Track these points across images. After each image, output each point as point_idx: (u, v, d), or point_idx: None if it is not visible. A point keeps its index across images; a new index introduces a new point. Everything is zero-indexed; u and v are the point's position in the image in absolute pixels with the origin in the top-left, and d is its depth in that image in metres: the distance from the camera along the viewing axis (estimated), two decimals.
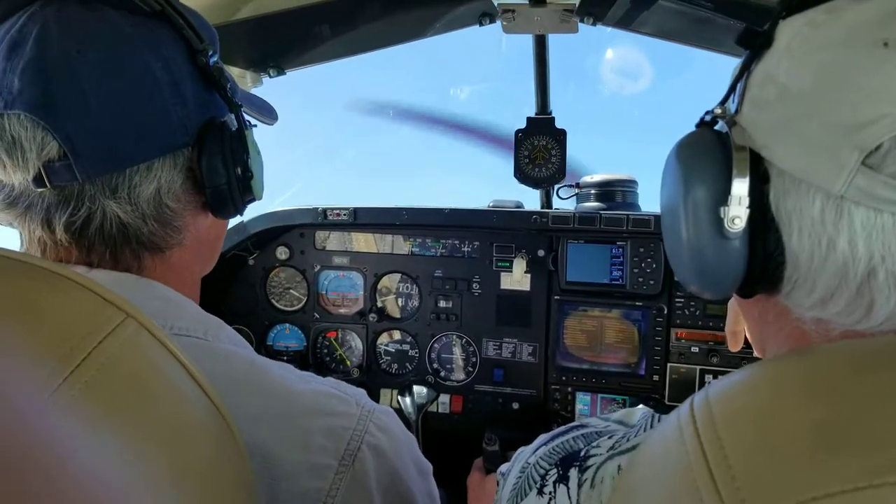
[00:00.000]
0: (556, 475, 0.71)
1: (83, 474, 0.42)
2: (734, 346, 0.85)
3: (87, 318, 0.49)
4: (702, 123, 0.67)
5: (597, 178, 2.11)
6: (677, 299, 2.00)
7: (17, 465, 0.38)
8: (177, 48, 0.77)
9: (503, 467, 0.86)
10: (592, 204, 2.09)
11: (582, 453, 0.71)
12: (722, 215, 0.58)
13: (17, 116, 0.69)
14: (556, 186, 2.13)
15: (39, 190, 0.72)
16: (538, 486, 0.72)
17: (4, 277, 0.48)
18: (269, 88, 1.74)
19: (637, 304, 2.03)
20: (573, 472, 0.69)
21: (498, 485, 0.85)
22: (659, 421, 0.69)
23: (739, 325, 0.88)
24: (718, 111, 0.64)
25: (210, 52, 0.79)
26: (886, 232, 0.51)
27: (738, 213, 0.57)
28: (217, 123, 0.80)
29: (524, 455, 0.80)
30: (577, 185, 2.12)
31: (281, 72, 1.73)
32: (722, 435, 0.43)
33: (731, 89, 0.64)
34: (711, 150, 0.61)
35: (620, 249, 2.02)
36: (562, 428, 0.80)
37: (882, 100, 0.49)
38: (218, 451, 0.56)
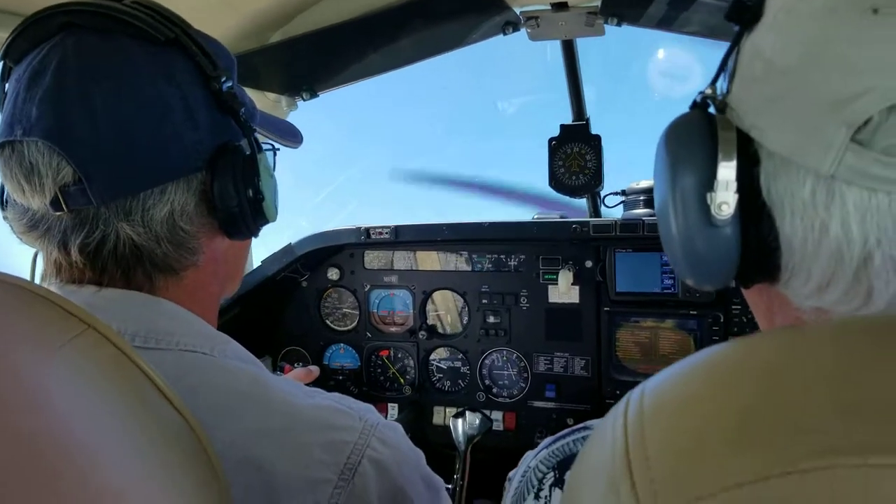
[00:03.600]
0: (553, 479, 0.69)
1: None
2: None
3: (46, 329, 0.51)
4: (694, 105, 0.63)
5: (643, 183, 2.04)
6: (734, 306, 1.90)
7: None
8: (191, 75, 0.79)
9: (511, 472, 0.84)
10: (641, 211, 2.02)
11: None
12: (709, 202, 0.54)
13: (35, 143, 0.73)
14: (603, 194, 2.08)
15: (57, 213, 0.75)
16: (535, 489, 0.70)
17: None
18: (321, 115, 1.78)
19: (691, 312, 1.94)
20: (569, 475, 0.67)
21: (504, 489, 0.83)
22: None
23: None
24: (708, 91, 0.61)
25: (224, 78, 0.81)
26: (881, 213, 0.47)
27: (725, 198, 0.54)
28: (230, 148, 0.82)
29: (528, 459, 0.78)
30: (624, 193, 2.06)
31: (314, 94, 1.77)
32: (646, 427, 0.41)
33: (722, 67, 0.61)
34: (698, 132, 0.58)
35: None
36: (565, 430, 0.77)
37: (869, 71, 0.46)
38: (183, 464, 0.56)
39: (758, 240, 0.55)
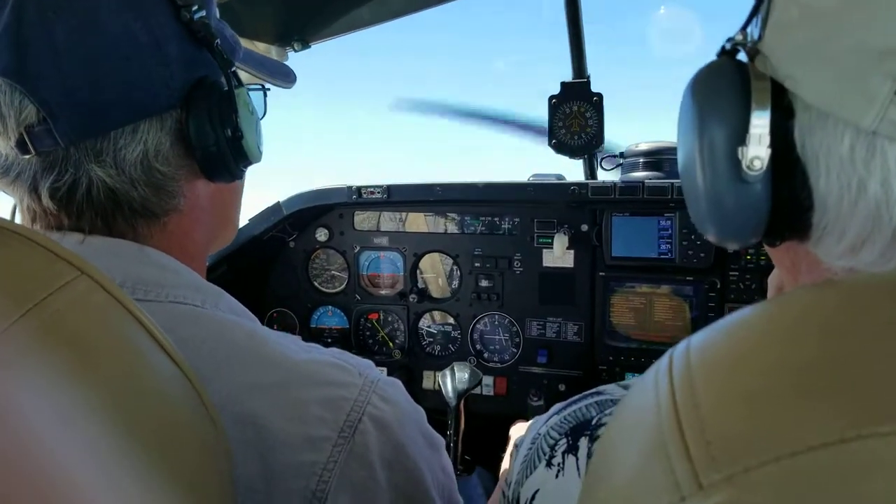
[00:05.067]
0: (566, 445, 0.65)
1: (21, 436, 0.39)
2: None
3: (33, 274, 0.45)
4: (722, 53, 0.58)
5: (643, 146, 1.99)
6: (731, 272, 1.87)
7: None
8: (159, 6, 0.74)
9: (518, 438, 0.80)
10: (639, 174, 1.97)
11: (594, 422, 0.65)
12: (740, 156, 0.50)
13: None
14: (600, 157, 2.03)
15: (26, 157, 0.72)
16: (547, 457, 0.67)
17: None
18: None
19: (688, 278, 1.91)
20: (583, 442, 0.64)
21: (511, 456, 0.79)
22: None
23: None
24: (739, 37, 0.56)
25: (195, 8, 0.75)
26: None
27: (757, 153, 0.49)
28: (207, 83, 0.77)
29: (537, 424, 0.75)
30: (622, 155, 2.01)
31: (306, 45, 1.69)
32: (697, 384, 0.37)
33: (754, 12, 0.55)
34: (729, 82, 0.53)
35: (668, 221, 1.90)
36: (576, 396, 0.74)
37: None
38: (181, 417, 0.52)
39: (790, 197, 0.51)
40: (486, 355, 2.15)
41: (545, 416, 0.75)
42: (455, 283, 2.16)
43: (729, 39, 0.57)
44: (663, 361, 0.42)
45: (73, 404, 0.43)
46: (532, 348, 2.09)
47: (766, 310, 0.41)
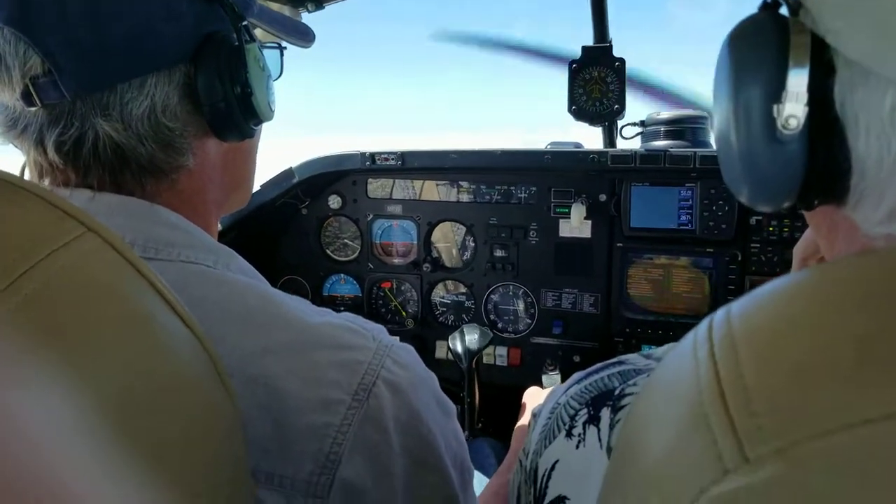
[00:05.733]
0: (587, 415, 0.63)
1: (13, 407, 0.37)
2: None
3: (38, 230, 0.43)
4: (763, 6, 0.55)
5: (664, 114, 1.93)
6: (753, 244, 1.83)
7: None
8: None
9: (536, 408, 0.78)
10: (660, 143, 1.92)
11: (616, 392, 0.63)
12: (775, 114, 0.47)
13: (1, 31, 0.67)
14: (620, 125, 1.98)
15: (31, 109, 0.70)
16: (567, 427, 0.65)
17: None
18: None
19: (708, 250, 1.87)
20: (605, 413, 0.61)
21: (529, 426, 0.77)
22: None
23: (811, 252, 0.77)
24: None
25: None
26: None
27: (794, 111, 0.46)
28: (217, 38, 0.75)
29: (556, 394, 0.72)
30: (643, 123, 1.96)
31: (319, 6, 1.65)
32: (740, 352, 0.35)
33: None
34: (767, 37, 0.49)
35: (689, 191, 1.85)
36: (598, 365, 0.71)
37: None
38: (191, 379, 0.50)
39: (826, 159, 0.48)
40: (500, 325, 2.13)
41: (564, 385, 0.73)
42: (468, 254, 2.13)
43: None
44: (700, 330, 0.39)
45: (78, 364, 0.41)
46: (547, 319, 2.06)
47: (811, 278, 0.38)
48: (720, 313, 0.39)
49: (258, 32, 0.87)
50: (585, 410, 0.64)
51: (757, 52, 0.49)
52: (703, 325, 0.39)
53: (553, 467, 0.65)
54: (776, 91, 0.46)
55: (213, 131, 0.79)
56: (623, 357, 0.71)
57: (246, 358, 0.67)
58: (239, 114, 0.78)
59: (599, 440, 0.60)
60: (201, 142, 0.79)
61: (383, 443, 0.71)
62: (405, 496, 0.73)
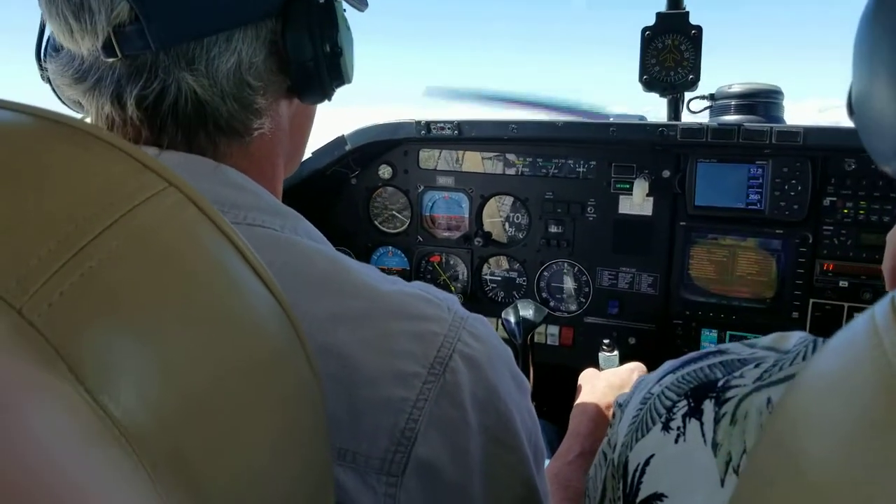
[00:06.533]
0: (687, 408, 0.58)
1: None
2: (893, 286, 0.67)
3: (117, 184, 0.38)
4: None
5: (736, 87, 1.84)
6: (826, 227, 1.75)
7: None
8: None
9: (620, 397, 0.74)
10: (731, 117, 1.84)
11: (720, 383, 0.58)
12: None
13: None
14: (687, 98, 1.90)
15: (110, 60, 0.66)
16: (663, 420, 0.60)
17: (12, 134, 0.38)
18: None
19: (777, 231, 1.79)
20: (708, 405, 0.57)
21: (614, 416, 0.72)
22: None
23: None
24: None
25: None
26: None
27: None
28: None
29: (646, 383, 0.68)
30: (712, 97, 1.87)
31: None
32: None
33: None
34: None
35: (760, 169, 1.77)
36: (693, 354, 0.66)
37: None
38: (276, 348, 0.45)
39: None
40: (552, 304, 2.07)
41: (655, 374, 0.68)
42: (514, 231, 2.07)
43: None
44: (880, 312, 0.34)
45: (165, 329, 0.36)
46: (602, 298, 2.00)
47: None
48: (885, 302, 0.35)
49: None
50: (685, 402, 0.59)
51: None
52: (880, 308, 0.35)
53: (647, 462, 0.61)
54: None
55: (297, 92, 0.76)
56: (723, 346, 0.66)
57: (316, 326, 0.64)
58: (326, 74, 0.75)
59: (703, 435, 0.56)
60: (277, 103, 0.76)
61: (460, 419, 0.68)
62: (481, 476, 0.70)
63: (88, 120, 0.72)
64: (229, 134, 0.72)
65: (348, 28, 0.81)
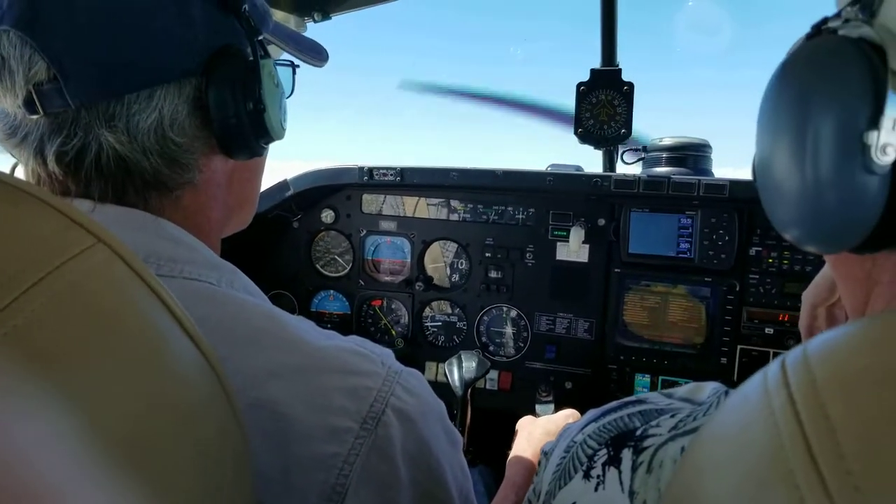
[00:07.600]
0: (606, 456, 0.60)
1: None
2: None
3: (46, 240, 0.38)
4: (817, 33, 0.52)
5: (667, 140, 1.92)
6: (751, 275, 1.82)
7: None
8: None
9: (546, 445, 0.75)
10: (662, 169, 1.91)
11: (638, 432, 0.60)
12: (869, 142, 0.43)
13: (7, 34, 0.64)
14: (621, 150, 1.97)
15: (33, 117, 0.66)
16: (584, 468, 0.61)
17: None
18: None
19: (706, 279, 1.85)
20: (626, 454, 0.58)
21: (539, 464, 0.73)
22: None
23: (817, 319, 0.78)
24: (849, 11, 0.49)
25: None
26: None
27: (891, 140, 0.43)
28: (231, 51, 0.72)
29: (570, 432, 0.69)
30: (645, 149, 1.95)
31: (326, 16, 1.61)
32: (827, 403, 0.32)
33: None
34: (849, 59, 0.46)
35: (689, 219, 1.84)
36: (614, 403, 0.68)
37: None
38: (200, 402, 0.45)
39: None
40: (491, 348, 2.09)
41: (578, 423, 0.70)
42: (456, 276, 2.09)
43: (831, 17, 0.51)
44: (771, 373, 0.36)
45: (83, 393, 0.36)
46: (540, 343, 2.03)
47: None
48: (794, 355, 0.36)
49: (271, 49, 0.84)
50: (605, 451, 0.61)
51: (844, 77, 0.46)
52: (773, 368, 0.36)
53: None
54: (870, 119, 0.43)
55: (222, 148, 0.76)
56: (642, 395, 0.68)
57: (250, 381, 0.64)
58: (250, 131, 0.75)
59: (621, 483, 0.57)
60: (208, 158, 0.76)
61: (390, 474, 0.68)
62: None
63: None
64: (158, 188, 0.72)
65: (277, 85, 0.81)
